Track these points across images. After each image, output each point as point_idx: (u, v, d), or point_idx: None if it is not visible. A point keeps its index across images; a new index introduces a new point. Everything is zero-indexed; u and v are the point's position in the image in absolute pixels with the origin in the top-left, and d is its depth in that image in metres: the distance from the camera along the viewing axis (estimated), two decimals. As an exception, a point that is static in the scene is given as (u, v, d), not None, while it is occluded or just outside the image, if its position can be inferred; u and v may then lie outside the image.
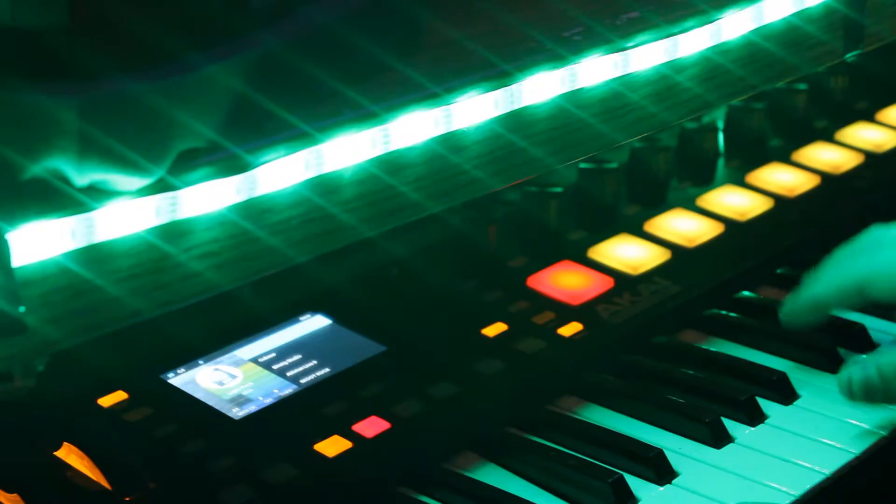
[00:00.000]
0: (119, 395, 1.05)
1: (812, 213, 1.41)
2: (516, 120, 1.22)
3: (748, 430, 1.11)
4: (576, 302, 1.22)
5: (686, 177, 1.45)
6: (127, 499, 0.97)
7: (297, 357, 1.12)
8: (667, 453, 1.06)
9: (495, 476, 1.05)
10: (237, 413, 1.05)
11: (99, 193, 0.97)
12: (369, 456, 1.03)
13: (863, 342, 1.22)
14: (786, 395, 1.15)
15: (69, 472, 0.98)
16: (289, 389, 1.08)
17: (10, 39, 0.97)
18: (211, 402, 1.06)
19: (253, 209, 1.06)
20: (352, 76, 1.14)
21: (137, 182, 0.99)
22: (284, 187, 1.07)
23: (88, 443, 1.00)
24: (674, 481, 1.04)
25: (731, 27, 1.40)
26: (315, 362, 1.11)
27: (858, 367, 1.11)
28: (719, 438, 1.09)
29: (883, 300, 1.16)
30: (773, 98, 1.56)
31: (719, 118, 1.54)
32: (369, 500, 1.02)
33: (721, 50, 1.39)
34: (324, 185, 1.10)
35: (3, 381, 0.99)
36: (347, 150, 1.11)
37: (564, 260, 1.28)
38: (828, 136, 1.55)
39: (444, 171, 1.18)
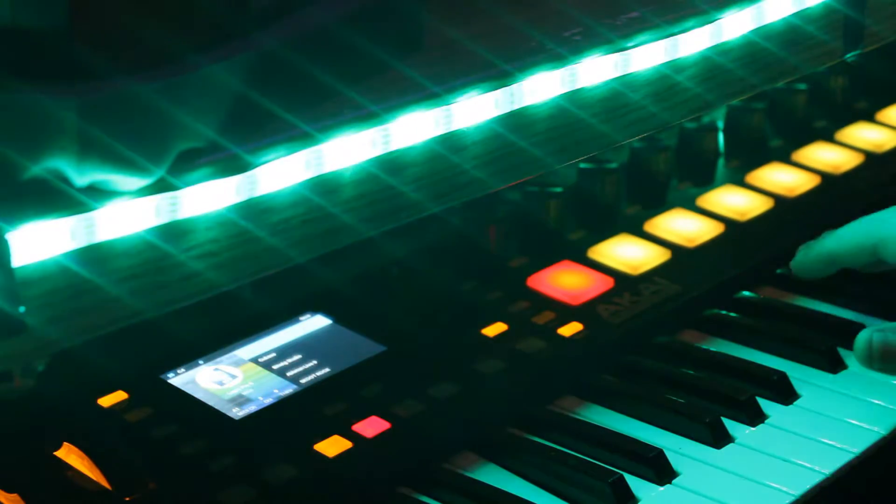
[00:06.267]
0: (119, 395, 1.05)
1: (812, 213, 1.41)
2: (516, 120, 1.22)
3: (748, 430, 1.11)
4: (576, 302, 1.22)
5: (686, 177, 1.45)
6: (127, 499, 0.97)
7: (297, 357, 1.12)
8: (667, 453, 1.06)
9: (495, 476, 1.05)
10: (237, 413, 1.05)
11: (99, 193, 0.97)
12: (369, 456, 1.03)
13: (863, 342, 1.22)
14: (786, 395, 1.15)
15: (69, 472, 0.98)
16: (289, 389, 1.08)
17: (10, 39, 0.97)
18: (211, 402, 1.06)
19: (253, 209, 1.06)
20: (352, 76, 1.14)
21: (137, 182, 0.99)
22: (284, 187, 1.07)
23: (88, 443, 1.00)
24: (674, 481, 1.04)
25: (731, 27, 1.40)
26: (315, 362, 1.11)
27: (879, 332, 1.11)
28: (719, 438, 1.09)
29: (893, 262, 1.17)
30: (773, 98, 1.57)
31: (719, 118, 1.54)
32: (369, 500, 1.02)
33: (721, 50, 1.39)
34: (324, 185, 1.10)
35: (3, 381, 0.99)
36: (347, 150, 1.11)
37: (564, 260, 1.28)
38: (828, 136, 1.55)
39: (444, 171, 1.18)
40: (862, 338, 1.11)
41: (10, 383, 0.99)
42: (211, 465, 1.00)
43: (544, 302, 1.22)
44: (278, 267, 1.09)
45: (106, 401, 1.05)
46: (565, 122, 1.27)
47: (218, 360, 1.11)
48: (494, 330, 1.17)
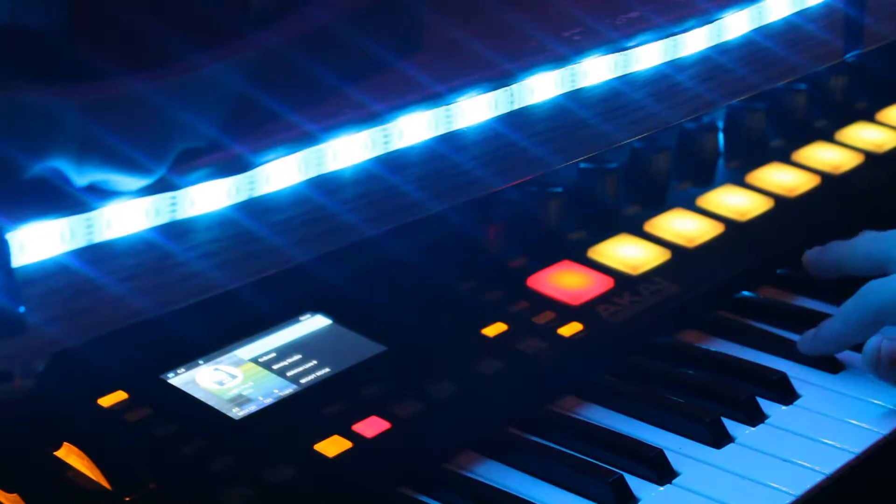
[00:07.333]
0: (119, 395, 1.05)
1: (812, 213, 1.41)
2: (516, 120, 1.22)
3: (748, 430, 1.11)
4: (576, 302, 1.22)
5: (686, 177, 1.45)
6: (127, 499, 0.97)
7: (297, 357, 1.12)
8: (667, 453, 1.06)
9: (496, 476, 1.05)
10: (237, 413, 1.05)
11: (99, 193, 0.97)
12: (369, 456, 1.03)
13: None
14: (786, 395, 1.15)
15: (69, 472, 0.98)
16: (289, 389, 1.08)
17: (10, 39, 0.97)
18: (211, 402, 1.06)
19: (253, 209, 1.06)
20: (352, 76, 1.14)
21: (137, 182, 0.99)
22: (285, 187, 1.07)
23: (88, 443, 1.00)
24: (674, 481, 1.04)
25: (731, 27, 1.40)
26: (315, 362, 1.11)
27: (889, 340, 1.12)
28: (719, 438, 1.09)
29: None
30: (773, 98, 1.56)
31: (719, 118, 1.54)
32: (369, 500, 1.02)
33: (721, 49, 1.39)
34: (324, 185, 1.10)
35: (3, 381, 0.99)
36: (348, 150, 1.11)
37: (564, 260, 1.28)
38: (828, 136, 1.55)
39: (444, 171, 1.18)
40: (871, 343, 1.13)
41: (10, 383, 0.99)
42: (211, 465, 0.99)
43: (544, 302, 1.21)
44: (278, 267, 1.09)
45: (106, 401, 1.05)
46: (565, 122, 1.27)
47: (218, 360, 1.10)
48: (494, 330, 1.17)
